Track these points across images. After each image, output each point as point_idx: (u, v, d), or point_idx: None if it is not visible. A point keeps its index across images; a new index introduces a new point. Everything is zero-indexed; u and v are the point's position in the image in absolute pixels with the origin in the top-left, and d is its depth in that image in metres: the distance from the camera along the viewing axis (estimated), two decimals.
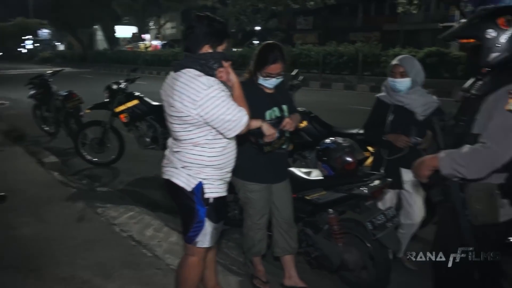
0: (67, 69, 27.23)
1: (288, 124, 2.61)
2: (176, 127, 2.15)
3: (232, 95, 2.19)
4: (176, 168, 2.19)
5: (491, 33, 1.82)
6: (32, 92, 7.57)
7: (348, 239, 2.90)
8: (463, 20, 1.99)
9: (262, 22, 26.93)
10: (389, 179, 2.76)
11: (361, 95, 14.24)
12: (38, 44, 57.30)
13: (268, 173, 2.76)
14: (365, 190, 2.66)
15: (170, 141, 2.30)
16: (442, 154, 1.86)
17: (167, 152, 2.31)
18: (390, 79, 2.94)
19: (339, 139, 2.92)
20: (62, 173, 5.41)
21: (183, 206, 2.22)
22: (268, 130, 2.50)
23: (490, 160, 1.74)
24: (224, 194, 2.28)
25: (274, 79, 2.65)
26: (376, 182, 2.71)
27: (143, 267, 3.04)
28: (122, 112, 5.67)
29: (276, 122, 2.62)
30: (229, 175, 2.31)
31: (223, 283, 2.84)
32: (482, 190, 1.84)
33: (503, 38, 1.80)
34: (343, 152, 2.82)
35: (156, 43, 38.72)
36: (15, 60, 48.62)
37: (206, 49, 2.12)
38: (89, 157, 6.07)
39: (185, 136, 2.14)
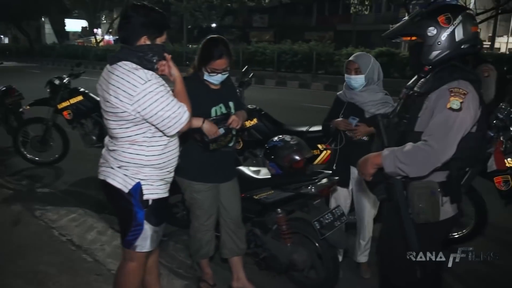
0: (12, 64, 25.89)
1: (234, 121, 2.53)
2: (112, 123, 2.01)
3: (174, 90, 2.08)
4: (112, 168, 2.04)
5: (432, 30, 1.82)
6: None
7: (297, 239, 2.86)
8: (405, 18, 1.97)
9: (217, 19, 26.64)
10: (336, 178, 2.74)
11: (315, 93, 14.43)
12: None
13: (214, 173, 2.66)
14: (312, 189, 2.62)
15: (106, 139, 2.15)
16: (386, 152, 1.84)
17: (103, 150, 2.16)
18: (346, 75, 2.92)
19: (287, 137, 2.87)
20: None
21: (120, 208, 2.09)
22: (209, 130, 2.41)
23: (431, 158, 1.73)
24: (165, 195, 2.16)
25: (219, 75, 2.55)
26: (324, 181, 2.68)
27: (82, 274, 2.86)
28: (65, 108, 5.38)
29: (222, 119, 2.53)
30: (171, 175, 2.19)
31: (168, 287, 2.73)
32: (424, 188, 1.83)
33: (444, 36, 1.80)
34: (291, 151, 2.77)
35: (109, 37, 37.47)
36: None
37: (144, 40, 1.99)
38: (30, 156, 5.73)
39: (122, 133, 2.00)
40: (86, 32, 37.64)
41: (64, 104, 5.38)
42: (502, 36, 25.60)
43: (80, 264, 2.99)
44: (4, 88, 6.42)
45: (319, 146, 3.76)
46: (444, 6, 1.84)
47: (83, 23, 36.96)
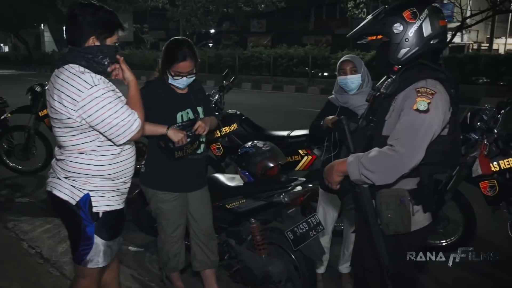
0: (11, 71, 25.92)
1: (200, 127, 2.38)
2: (58, 131, 1.86)
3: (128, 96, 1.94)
4: (59, 178, 1.90)
5: (398, 27, 1.68)
6: None
7: (273, 249, 2.71)
8: (369, 17, 1.82)
9: (213, 24, 26.52)
10: (310, 185, 2.59)
11: (311, 97, 14.34)
12: None
13: (181, 181, 2.52)
14: (285, 197, 2.48)
15: (56, 149, 2.01)
16: (351, 158, 1.70)
17: (52, 161, 2.02)
18: (340, 77, 2.74)
19: (259, 143, 2.71)
20: None
21: (68, 222, 1.95)
22: (175, 136, 2.27)
23: (398, 164, 1.59)
24: (119, 207, 2.00)
25: (184, 78, 2.42)
26: (298, 189, 2.53)
27: None
28: (46, 115, 5.24)
29: (188, 125, 2.39)
30: (127, 185, 2.04)
31: None
32: (392, 196, 1.69)
33: (411, 32, 1.66)
34: (263, 157, 2.62)
35: None
36: None
37: (93, 41, 1.85)
38: (12, 165, 5.59)
39: (68, 141, 1.85)
40: None
41: (46, 111, 5.25)
42: (500, 37, 25.42)
43: (46, 278, 2.85)
44: None
45: (300, 151, 3.60)
46: (408, 1, 1.70)
47: None
